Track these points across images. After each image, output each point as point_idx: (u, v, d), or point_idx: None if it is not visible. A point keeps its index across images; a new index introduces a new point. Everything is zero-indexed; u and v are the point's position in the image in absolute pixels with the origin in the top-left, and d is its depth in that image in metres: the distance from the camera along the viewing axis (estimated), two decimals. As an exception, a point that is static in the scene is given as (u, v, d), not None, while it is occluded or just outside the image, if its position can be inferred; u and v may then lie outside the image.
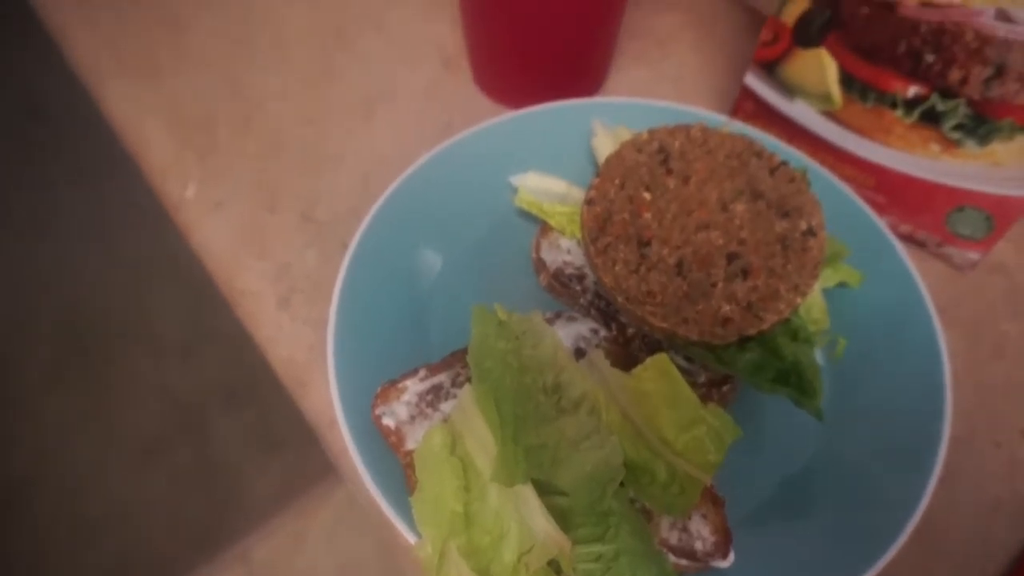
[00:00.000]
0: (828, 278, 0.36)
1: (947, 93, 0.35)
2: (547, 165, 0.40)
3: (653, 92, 0.49)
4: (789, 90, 0.40)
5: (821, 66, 0.38)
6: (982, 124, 0.35)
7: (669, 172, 0.36)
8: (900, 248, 0.37)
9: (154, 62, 0.49)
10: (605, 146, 0.39)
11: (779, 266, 0.33)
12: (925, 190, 0.39)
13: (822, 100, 0.39)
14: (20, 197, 1.54)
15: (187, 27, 0.51)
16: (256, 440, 1.26)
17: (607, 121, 0.40)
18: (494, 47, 0.44)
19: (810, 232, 0.34)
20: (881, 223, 0.37)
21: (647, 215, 0.34)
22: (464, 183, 0.39)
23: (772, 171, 0.36)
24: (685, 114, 0.41)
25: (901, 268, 0.37)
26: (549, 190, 0.39)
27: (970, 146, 0.36)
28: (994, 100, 0.34)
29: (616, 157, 0.36)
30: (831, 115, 0.39)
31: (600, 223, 0.35)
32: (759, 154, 0.36)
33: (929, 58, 0.34)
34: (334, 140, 0.46)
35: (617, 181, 0.36)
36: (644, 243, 0.34)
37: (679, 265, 0.33)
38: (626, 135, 0.39)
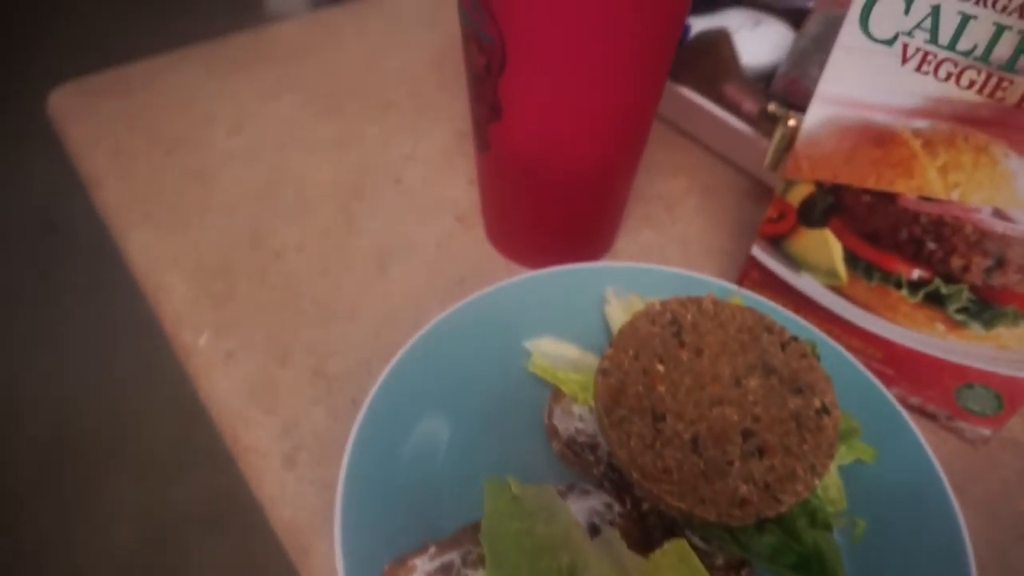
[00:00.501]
0: (843, 455, 0.36)
1: (950, 278, 0.36)
2: (559, 329, 0.40)
3: (662, 254, 0.50)
4: (795, 264, 0.41)
5: (826, 245, 0.39)
6: (986, 309, 0.36)
7: (682, 345, 0.36)
8: (912, 424, 0.37)
9: (180, 213, 0.51)
10: (617, 314, 0.39)
11: (795, 445, 0.33)
12: (933, 366, 0.39)
13: (828, 276, 0.40)
14: (25, 310, 1.55)
15: (214, 179, 0.54)
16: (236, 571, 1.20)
17: (619, 284, 0.41)
18: (507, 208, 0.46)
19: (824, 410, 0.34)
20: (892, 397, 0.37)
21: (661, 388, 0.35)
22: (477, 346, 0.39)
23: (783, 346, 0.36)
24: (694, 280, 0.42)
25: (914, 444, 0.36)
26: (562, 356, 0.39)
27: (975, 328, 0.37)
28: (996, 288, 0.35)
29: (630, 327, 0.37)
30: (837, 290, 0.40)
31: (614, 395, 0.35)
32: (770, 328, 0.37)
33: (931, 246, 0.35)
34: (348, 292, 0.47)
35: (631, 352, 0.36)
36: (659, 417, 0.34)
37: (694, 441, 0.33)
38: (638, 304, 0.40)
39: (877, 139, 0.34)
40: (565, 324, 0.41)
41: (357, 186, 0.54)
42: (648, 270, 0.42)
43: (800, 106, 0.47)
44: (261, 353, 0.43)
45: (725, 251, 0.50)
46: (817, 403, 0.34)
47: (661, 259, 0.50)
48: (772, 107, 0.47)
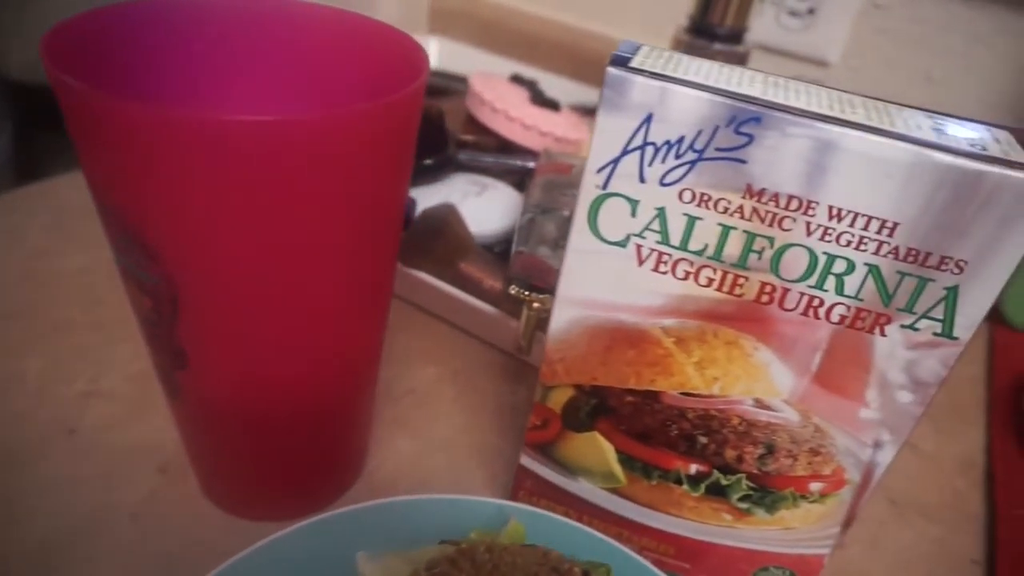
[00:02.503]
0: None
1: (727, 469, 0.33)
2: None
3: (423, 465, 0.44)
4: (569, 470, 0.37)
5: (598, 448, 0.35)
6: (767, 495, 0.34)
7: (462, 622, 0.29)
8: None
9: None
10: (377, 588, 0.31)
11: None
12: (728, 555, 0.36)
13: (605, 479, 0.36)
14: None
15: None
16: None
17: (371, 538, 0.33)
18: (220, 459, 0.37)
19: (637, 668, 0.29)
20: (696, 605, 0.33)
21: None
22: None
23: (577, 591, 0.31)
24: (464, 504, 0.35)
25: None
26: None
27: (760, 514, 0.34)
28: (771, 474, 0.33)
29: (394, 614, 0.29)
30: (618, 492, 0.36)
31: None
32: (557, 568, 0.31)
33: (703, 440, 0.33)
34: (-2, 620, 0.33)
35: (400, 652, 0.28)
36: None
37: None
38: (398, 567, 0.32)
39: (629, 339, 0.31)
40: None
41: (10, 449, 0.40)
42: (405, 509, 0.35)
43: (541, 284, 0.45)
44: None
45: (493, 449, 0.45)
46: (628, 660, 0.29)
47: (424, 474, 0.43)
48: (513, 290, 0.44)
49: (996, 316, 0.64)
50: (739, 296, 0.29)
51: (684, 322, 0.30)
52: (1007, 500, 0.47)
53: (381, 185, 0.29)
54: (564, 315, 0.32)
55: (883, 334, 0.28)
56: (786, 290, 0.28)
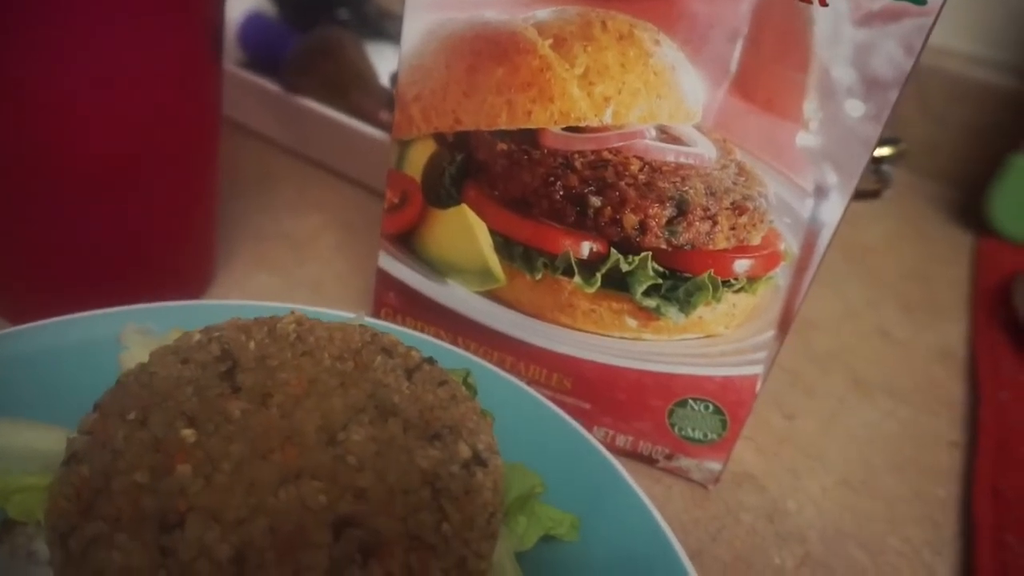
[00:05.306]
0: (522, 532, 0.22)
1: (628, 247, 0.25)
2: (39, 406, 0.23)
3: (282, 299, 0.35)
4: (436, 268, 0.29)
5: (468, 230, 0.27)
6: (679, 283, 0.26)
7: (235, 391, 0.21)
8: (625, 473, 0.24)
9: None
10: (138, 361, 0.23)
11: (429, 527, 0.18)
12: (635, 385, 0.28)
13: (480, 277, 0.28)
14: None
15: None
16: None
17: (160, 329, 0.25)
18: (6, 248, 0.28)
19: (477, 460, 0.20)
20: (592, 439, 0.25)
21: (183, 468, 0.18)
22: None
23: (410, 373, 0.23)
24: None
25: (630, 501, 0.24)
26: (30, 449, 0.21)
27: (672, 314, 0.26)
28: (684, 249, 0.25)
29: (140, 374, 0.21)
30: (497, 297, 0.28)
31: (87, 497, 0.18)
32: (388, 350, 0.23)
33: (595, 202, 0.25)
34: None
35: (133, 415, 0.20)
36: (171, 525, 0.17)
37: (238, 560, 0.17)
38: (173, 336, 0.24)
39: (497, 51, 0.24)
40: (57, 397, 0.23)
41: None
42: (208, 306, 0.27)
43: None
44: None
45: (371, 290, 0.37)
46: (465, 451, 0.21)
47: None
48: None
49: (982, 224, 0.57)
50: (632, -44, 0.21)
51: (563, 11, 0.23)
52: (991, 383, 0.39)
53: None
54: (417, 25, 0.24)
55: (823, 2, 0.20)
56: (693, -62, 0.21)
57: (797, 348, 0.40)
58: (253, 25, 0.50)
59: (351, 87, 0.42)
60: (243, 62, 0.49)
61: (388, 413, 0.21)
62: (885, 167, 0.38)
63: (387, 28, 0.52)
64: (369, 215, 0.43)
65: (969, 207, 0.60)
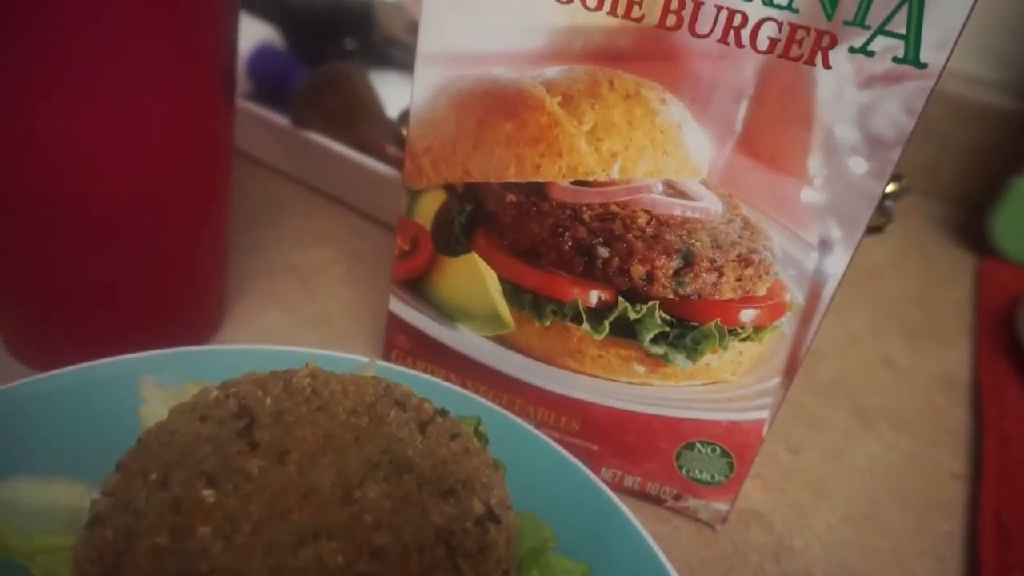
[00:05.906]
0: (535, 586, 0.23)
1: (635, 295, 0.26)
2: (58, 460, 0.23)
3: (292, 338, 0.36)
4: (447, 314, 0.29)
5: (477, 277, 0.28)
6: (686, 331, 0.26)
7: (253, 448, 0.21)
8: (631, 516, 0.25)
9: None
10: (157, 416, 0.24)
11: (445, 586, 0.19)
12: (643, 428, 0.29)
13: (490, 323, 0.29)
14: None
15: None
16: None
17: (176, 380, 0.26)
18: (20, 292, 0.29)
19: (490, 516, 0.21)
20: (600, 483, 0.26)
21: (204, 530, 0.19)
22: None
23: (423, 426, 0.23)
24: (300, 359, 0.28)
25: (637, 545, 0.25)
26: (51, 505, 0.22)
27: (680, 361, 0.27)
28: (691, 298, 0.25)
29: (159, 432, 0.21)
30: (507, 342, 0.29)
31: (111, 560, 0.18)
32: (401, 403, 0.24)
33: (603, 252, 0.25)
34: None
35: (154, 476, 0.20)
36: (194, 588, 0.18)
37: (260, 622, 0.18)
38: (191, 390, 0.25)
39: (506, 106, 0.24)
40: (73, 449, 0.24)
41: None
42: (231, 359, 0.27)
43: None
44: None
45: (379, 323, 0.37)
46: (478, 507, 0.21)
47: (289, 344, 0.35)
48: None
49: (984, 245, 0.57)
50: (638, 21, 0.22)
51: (571, 70, 0.23)
52: (995, 412, 0.40)
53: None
54: (427, 81, 0.25)
55: (827, 64, 0.21)
56: (698, 4, 0.21)
57: (801, 378, 0.40)
58: (262, 57, 0.51)
59: (359, 120, 0.43)
60: (252, 93, 0.50)
61: (403, 468, 0.21)
62: (888, 203, 0.38)
63: (394, 56, 0.53)
64: (376, 245, 0.44)
65: (971, 228, 0.60)
